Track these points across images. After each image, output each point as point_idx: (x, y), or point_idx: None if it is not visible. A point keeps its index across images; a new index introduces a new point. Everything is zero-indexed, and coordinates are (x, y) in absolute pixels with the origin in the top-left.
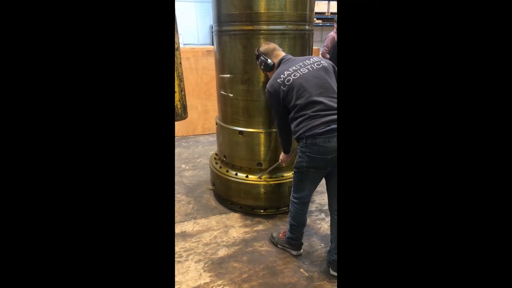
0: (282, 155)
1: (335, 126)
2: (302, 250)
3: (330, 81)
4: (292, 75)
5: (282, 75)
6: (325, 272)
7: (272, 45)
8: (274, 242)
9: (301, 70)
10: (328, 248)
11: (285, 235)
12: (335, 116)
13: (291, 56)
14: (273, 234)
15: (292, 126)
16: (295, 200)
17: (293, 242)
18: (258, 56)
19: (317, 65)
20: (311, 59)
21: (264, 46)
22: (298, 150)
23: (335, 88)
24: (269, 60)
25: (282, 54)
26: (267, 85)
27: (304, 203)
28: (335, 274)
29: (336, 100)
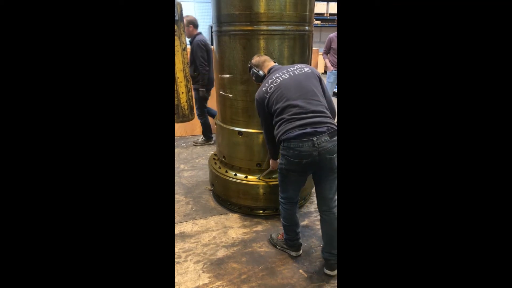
0: (271, 161)
1: (310, 129)
2: (301, 251)
3: (310, 84)
4: (274, 82)
5: (266, 84)
6: (324, 272)
7: (263, 58)
8: (273, 243)
9: (282, 76)
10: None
11: (283, 236)
12: (312, 119)
13: (279, 66)
14: (272, 235)
15: (274, 131)
16: (282, 200)
17: (291, 242)
18: (250, 68)
19: (299, 71)
20: (295, 66)
21: (255, 59)
22: (280, 153)
23: (316, 91)
24: (260, 72)
25: (271, 64)
26: (255, 95)
27: (290, 202)
28: (329, 273)
29: (315, 102)
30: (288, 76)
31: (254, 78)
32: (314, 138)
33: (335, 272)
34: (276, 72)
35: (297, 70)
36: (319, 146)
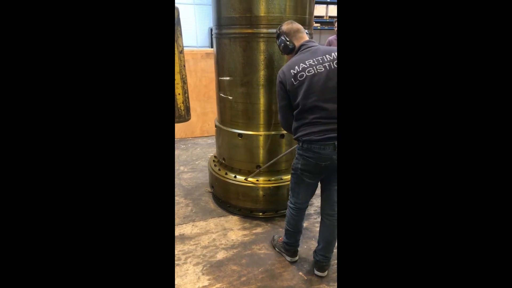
0: None
1: (333, 135)
2: (297, 257)
3: None
4: (306, 71)
5: (296, 67)
6: (315, 273)
7: (296, 26)
8: (273, 244)
9: (317, 67)
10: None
11: (282, 239)
12: (336, 125)
13: (313, 43)
14: (275, 236)
15: (293, 124)
16: (290, 205)
17: (288, 247)
18: (278, 35)
19: (336, 63)
20: (333, 54)
21: (287, 25)
22: (296, 151)
23: None
24: (289, 42)
25: (305, 37)
26: (281, 69)
27: (299, 208)
28: (319, 274)
29: None
30: (323, 69)
31: (281, 47)
32: (336, 142)
33: (326, 273)
34: (310, 55)
35: (334, 63)
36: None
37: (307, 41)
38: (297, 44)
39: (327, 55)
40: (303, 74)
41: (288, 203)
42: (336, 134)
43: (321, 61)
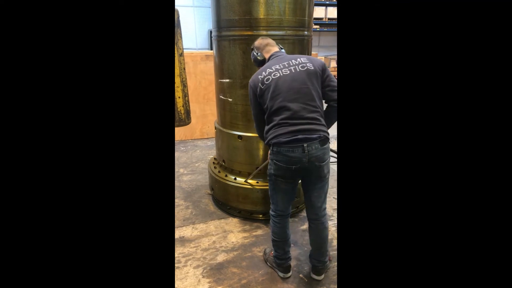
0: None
1: (301, 136)
2: (290, 273)
3: (310, 86)
4: (272, 74)
5: (263, 72)
6: (325, 277)
7: (266, 40)
8: (264, 258)
9: (282, 70)
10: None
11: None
12: (304, 126)
13: (281, 53)
14: (266, 249)
15: (264, 129)
16: (272, 213)
17: (279, 261)
18: (251, 50)
19: (301, 67)
20: (298, 59)
21: (259, 41)
22: (269, 158)
23: (315, 94)
24: (259, 55)
25: (274, 49)
26: (250, 80)
27: (280, 216)
28: (315, 277)
29: (311, 108)
30: (288, 72)
31: (253, 60)
32: (305, 145)
33: (322, 277)
34: (277, 61)
35: (299, 66)
36: (309, 153)
37: (276, 52)
38: (266, 56)
39: (293, 60)
40: (269, 78)
41: (270, 212)
42: (304, 136)
43: (286, 65)
